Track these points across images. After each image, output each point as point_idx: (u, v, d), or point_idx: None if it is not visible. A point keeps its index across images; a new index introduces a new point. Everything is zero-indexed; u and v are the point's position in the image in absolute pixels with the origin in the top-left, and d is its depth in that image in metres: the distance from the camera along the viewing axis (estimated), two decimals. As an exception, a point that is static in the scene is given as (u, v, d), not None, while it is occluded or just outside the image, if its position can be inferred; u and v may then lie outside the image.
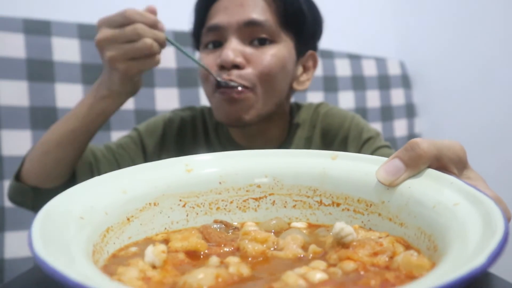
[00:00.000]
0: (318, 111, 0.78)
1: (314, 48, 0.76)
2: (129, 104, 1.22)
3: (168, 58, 1.28)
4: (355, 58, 1.59)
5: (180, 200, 0.33)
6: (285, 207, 0.33)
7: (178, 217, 0.32)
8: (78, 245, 0.24)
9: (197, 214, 0.33)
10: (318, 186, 0.32)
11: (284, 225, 0.32)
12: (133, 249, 0.29)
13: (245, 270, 0.24)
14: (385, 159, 0.31)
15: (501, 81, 1.34)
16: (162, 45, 0.58)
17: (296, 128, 0.76)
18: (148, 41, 0.55)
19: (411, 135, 1.72)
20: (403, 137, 1.69)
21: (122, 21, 0.56)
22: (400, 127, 1.69)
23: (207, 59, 0.68)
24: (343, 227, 0.27)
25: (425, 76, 1.71)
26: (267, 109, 0.67)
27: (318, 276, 0.23)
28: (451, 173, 0.30)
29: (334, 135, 0.75)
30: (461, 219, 0.24)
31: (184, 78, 1.29)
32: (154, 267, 0.25)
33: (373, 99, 1.62)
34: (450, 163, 0.30)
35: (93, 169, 0.68)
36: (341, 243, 0.27)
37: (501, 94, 1.34)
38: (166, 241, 0.29)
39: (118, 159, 0.72)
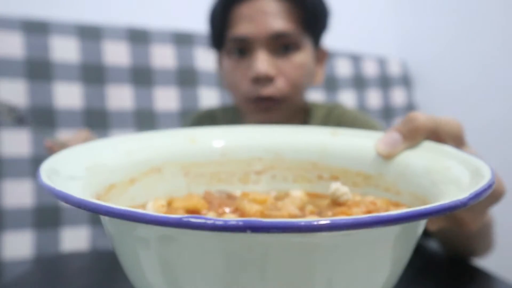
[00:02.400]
0: (333, 112, 0.81)
1: (321, 40, 0.78)
2: (128, 104, 1.22)
3: (167, 58, 1.27)
4: (355, 58, 1.59)
5: (183, 169, 0.33)
6: (285, 181, 0.34)
7: (180, 185, 0.33)
8: (83, 185, 0.25)
9: (199, 184, 0.33)
10: (318, 161, 0.33)
11: (284, 195, 0.33)
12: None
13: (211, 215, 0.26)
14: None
15: (503, 80, 1.34)
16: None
17: (310, 124, 0.79)
18: None
19: (412, 135, 1.71)
20: (404, 137, 1.69)
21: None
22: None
23: (235, 71, 0.69)
24: (338, 186, 0.28)
25: (426, 76, 1.70)
26: (293, 110, 0.73)
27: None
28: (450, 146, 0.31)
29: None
30: (453, 178, 0.25)
31: (184, 78, 1.28)
32: None
33: (374, 98, 1.62)
34: (447, 137, 0.31)
35: None
36: (337, 203, 0.28)
37: (502, 94, 1.34)
38: (168, 203, 0.29)
39: None
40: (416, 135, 0.31)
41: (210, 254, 0.20)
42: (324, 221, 0.17)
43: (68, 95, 1.14)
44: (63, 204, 1.11)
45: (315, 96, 1.46)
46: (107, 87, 1.19)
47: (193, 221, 0.17)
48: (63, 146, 0.66)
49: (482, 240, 0.54)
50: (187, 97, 1.29)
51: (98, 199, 0.26)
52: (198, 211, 0.28)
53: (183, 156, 0.33)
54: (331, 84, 1.52)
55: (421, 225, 0.24)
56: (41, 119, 1.11)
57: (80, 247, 1.09)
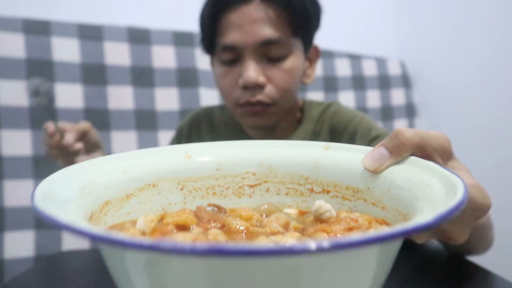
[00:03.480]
0: (329, 109, 0.81)
1: (313, 39, 0.78)
2: (129, 104, 1.22)
3: (168, 58, 1.28)
4: (355, 58, 1.59)
5: (178, 184, 0.34)
6: (278, 194, 0.35)
7: (176, 199, 0.34)
8: (76, 206, 0.26)
9: (194, 197, 0.34)
10: (310, 174, 0.34)
11: (275, 209, 0.34)
12: (129, 224, 0.30)
13: (222, 238, 0.25)
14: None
15: (501, 81, 1.34)
16: (59, 147, 0.70)
17: (304, 122, 0.80)
18: (48, 151, 0.73)
19: (411, 135, 1.72)
20: (403, 137, 1.69)
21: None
22: (400, 127, 1.69)
23: (226, 78, 0.71)
24: (321, 204, 0.29)
25: (425, 76, 1.71)
26: (285, 111, 0.74)
27: (289, 241, 0.24)
28: (435, 162, 0.31)
29: (342, 131, 0.78)
30: (431, 195, 0.26)
31: (184, 78, 1.29)
32: (143, 233, 0.26)
33: (373, 99, 1.62)
34: (434, 153, 0.31)
35: None
36: (319, 219, 0.29)
37: (501, 94, 1.34)
38: (162, 218, 0.30)
39: None
40: (402, 150, 0.31)
41: (195, 274, 0.20)
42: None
43: (69, 95, 1.15)
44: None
45: (315, 96, 1.47)
46: (108, 87, 1.19)
47: (163, 245, 0.17)
48: (62, 133, 0.68)
49: (480, 241, 0.56)
50: (188, 97, 1.29)
51: (92, 217, 0.27)
52: (187, 226, 0.29)
53: (179, 171, 0.34)
54: (331, 84, 1.52)
55: (392, 244, 0.25)
56: (42, 119, 1.11)
57: (81, 247, 1.09)
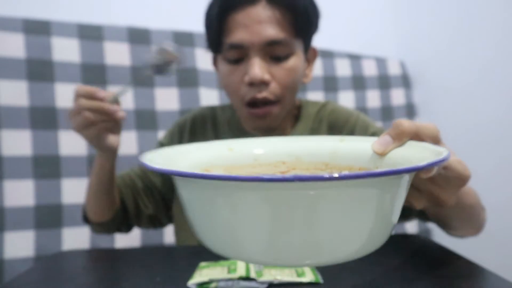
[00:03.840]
0: (325, 107, 0.86)
1: (312, 40, 0.82)
2: (129, 104, 1.22)
3: (168, 58, 1.28)
4: (355, 58, 1.60)
5: (224, 170, 0.42)
6: None
7: None
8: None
9: None
10: (329, 161, 0.43)
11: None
12: None
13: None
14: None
15: (501, 81, 1.34)
16: (101, 112, 0.63)
17: (302, 120, 0.83)
18: (85, 113, 0.63)
19: (411, 135, 1.72)
20: (403, 137, 1.69)
21: (74, 96, 0.64)
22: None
23: (232, 76, 0.73)
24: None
25: (425, 76, 1.71)
26: (286, 110, 0.77)
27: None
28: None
29: (340, 129, 0.82)
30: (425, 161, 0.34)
31: (184, 78, 1.29)
32: None
33: (373, 99, 1.62)
34: (426, 138, 0.41)
35: (135, 193, 0.82)
36: None
37: (501, 94, 1.34)
38: None
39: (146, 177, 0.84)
40: (402, 137, 0.40)
41: (258, 200, 0.28)
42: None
43: (69, 96, 1.15)
44: (64, 204, 1.12)
45: (315, 96, 1.47)
46: (108, 87, 1.20)
47: (266, 177, 0.26)
48: (116, 99, 0.65)
49: (469, 219, 0.63)
50: (187, 97, 1.29)
51: None
52: None
53: (224, 160, 0.43)
54: (331, 85, 1.52)
55: (400, 186, 0.32)
56: (43, 119, 1.12)
57: (81, 247, 1.10)
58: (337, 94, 1.53)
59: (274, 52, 0.71)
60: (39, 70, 1.12)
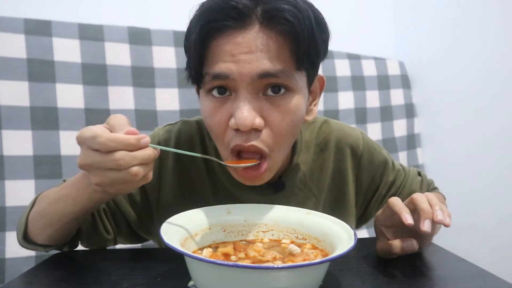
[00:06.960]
0: (321, 128, 0.75)
1: (318, 68, 0.66)
2: (130, 104, 1.22)
3: (168, 58, 1.28)
4: (354, 58, 1.60)
5: (222, 228, 0.60)
6: (278, 236, 0.61)
7: (221, 237, 0.60)
8: (176, 239, 0.51)
9: (231, 236, 0.60)
10: (296, 228, 0.60)
11: (276, 243, 0.60)
12: (200, 251, 0.56)
13: (233, 258, 0.54)
14: (335, 219, 0.56)
15: (500, 81, 1.34)
16: (149, 163, 0.51)
17: (300, 153, 0.72)
18: (134, 169, 0.48)
19: (411, 135, 1.72)
20: (403, 137, 1.70)
21: (99, 147, 0.48)
22: (399, 127, 1.69)
23: (215, 116, 0.58)
24: (293, 247, 0.55)
25: (424, 76, 1.71)
26: (282, 161, 0.64)
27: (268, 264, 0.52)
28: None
29: (344, 151, 0.75)
30: (341, 238, 0.52)
31: (184, 79, 1.29)
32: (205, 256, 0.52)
33: (372, 99, 1.62)
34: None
35: (95, 216, 0.67)
36: (291, 254, 0.54)
37: (500, 94, 1.35)
38: (216, 247, 0.57)
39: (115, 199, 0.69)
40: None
41: (230, 274, 0.43)
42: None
43: (70, 96, 1.15)
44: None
45: (314, 96, 1.47)
46: (109, 87, 1.20)
47: (225, 263, 0.42)
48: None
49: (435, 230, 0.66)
50: (187, 97, 1.29)
51: (180, 244, 0.51)
52: (229, 254, 0.54)
53: (223, 221, 0.60)
54: (331, 85, 1.53)
55: (310, 269, 0.45)
56: (43, 119, 1.12)
57: (81, 247, 1.10)
58: (337, 94, 1.54)
59: (268, 88, 0.56)
60: (40, 70, 1.12)
